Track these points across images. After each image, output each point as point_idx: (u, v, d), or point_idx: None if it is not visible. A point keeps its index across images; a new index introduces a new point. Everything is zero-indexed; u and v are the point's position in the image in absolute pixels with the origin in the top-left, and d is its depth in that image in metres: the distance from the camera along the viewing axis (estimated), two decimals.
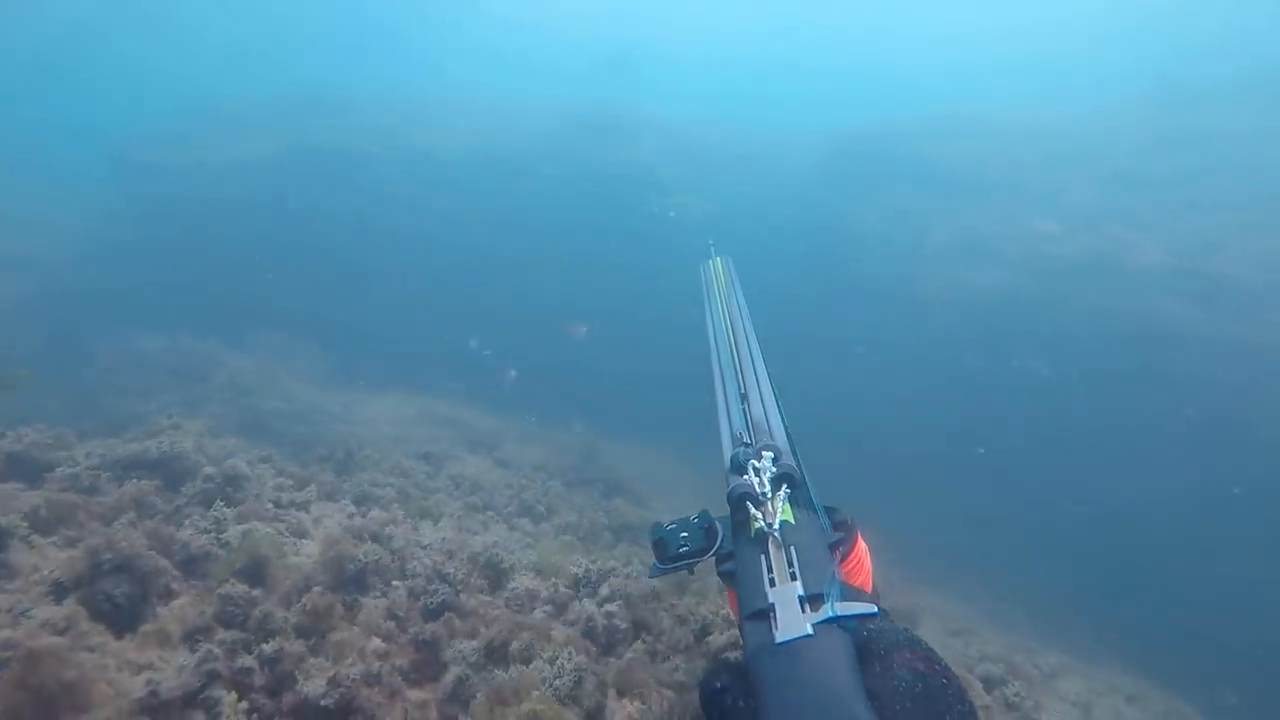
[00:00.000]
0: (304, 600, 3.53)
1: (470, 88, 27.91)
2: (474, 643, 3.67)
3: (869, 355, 14.81)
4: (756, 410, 2.52)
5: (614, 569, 4.97)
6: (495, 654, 3.64)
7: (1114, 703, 8.44)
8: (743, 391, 2.65)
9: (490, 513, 7.89)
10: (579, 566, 4.88)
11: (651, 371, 13.37)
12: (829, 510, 2.14)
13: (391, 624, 3.73)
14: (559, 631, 3.92)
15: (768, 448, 2.20)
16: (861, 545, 2.17)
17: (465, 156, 20.18)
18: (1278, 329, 11.96)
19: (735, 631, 3.36)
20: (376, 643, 3.53)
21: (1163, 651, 9.41)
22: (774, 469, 2.06)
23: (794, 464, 2.14)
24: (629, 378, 14.22)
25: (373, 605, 3.82)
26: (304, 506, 5.61)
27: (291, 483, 6.01)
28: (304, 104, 21.72)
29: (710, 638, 4.19)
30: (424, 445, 10.31)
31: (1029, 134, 18.49)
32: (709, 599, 4.68)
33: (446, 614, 3.87)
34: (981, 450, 12.60)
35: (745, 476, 2.06)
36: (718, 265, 3.62)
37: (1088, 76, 24.31)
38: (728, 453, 2.33)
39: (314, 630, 3.45)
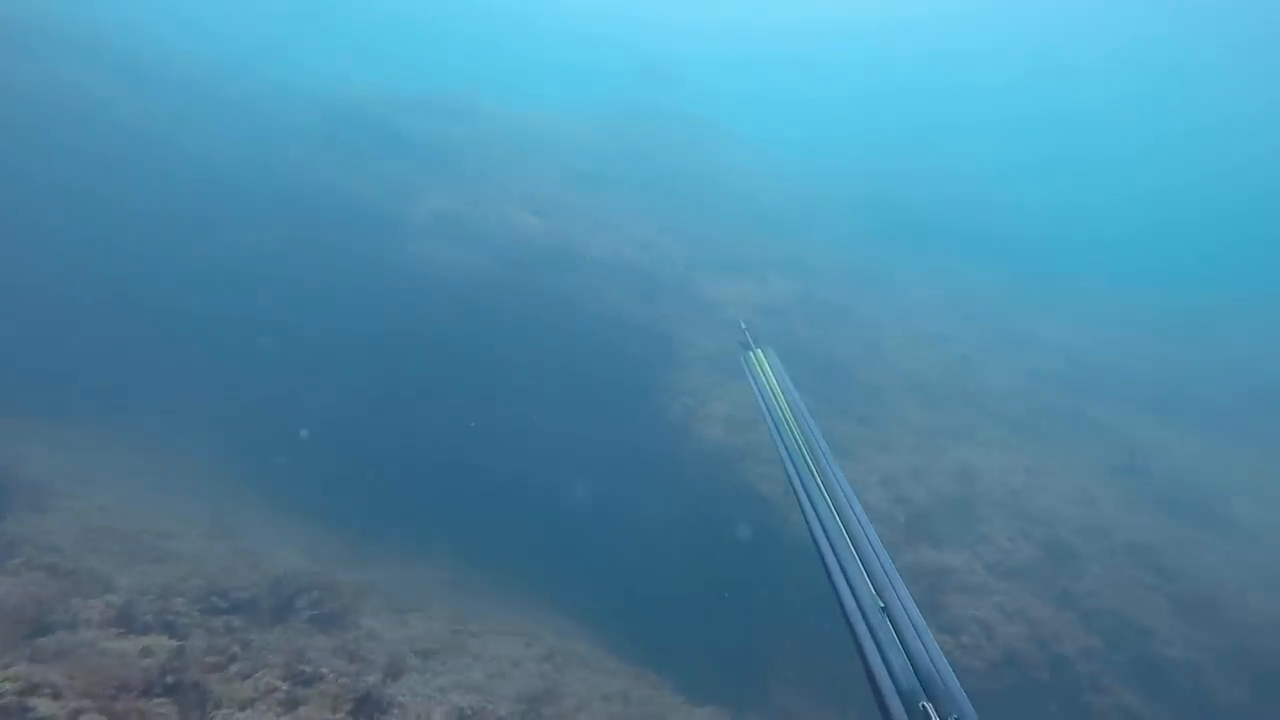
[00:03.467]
0: None
1: None
2: None
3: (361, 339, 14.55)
4: (910, 637, 1.83)
5: None
6: None
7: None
8: (882, 603, 1.92)
9: None
10: None
11: None
12: None
13: None
14: None
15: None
16: None
17: None
18: (682, 309, 14.66)
19: None
20: None
21: None
22: None
23: None
24: None
25: None
26: None
27: None
28: None
29: None
30: None
31: (512, 126, 19.88)
32: None
33: None
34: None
35: None
36: (762, 363, 2.83)
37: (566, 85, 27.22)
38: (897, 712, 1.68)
39: None
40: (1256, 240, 31.56)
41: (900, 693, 1.72)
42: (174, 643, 4.65)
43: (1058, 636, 8.60)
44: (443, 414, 13.99)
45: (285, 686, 4.13)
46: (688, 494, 12.60)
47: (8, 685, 3.85)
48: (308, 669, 4.52)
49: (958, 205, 25.04)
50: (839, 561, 2.04)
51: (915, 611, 1.92)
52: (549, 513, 13.26)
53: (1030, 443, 12.49)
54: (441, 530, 12.67)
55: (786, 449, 2.49)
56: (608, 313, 14.71)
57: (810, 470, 2.32)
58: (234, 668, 4.32)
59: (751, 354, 3.09)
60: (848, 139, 31.18)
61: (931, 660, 1.78)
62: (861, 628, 1.86)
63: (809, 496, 2.25)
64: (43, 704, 3.79)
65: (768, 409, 2.71)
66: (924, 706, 1.67)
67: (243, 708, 4.06)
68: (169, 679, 4.07)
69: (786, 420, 2.56)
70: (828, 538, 2.08)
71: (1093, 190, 34.66)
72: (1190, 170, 41.75)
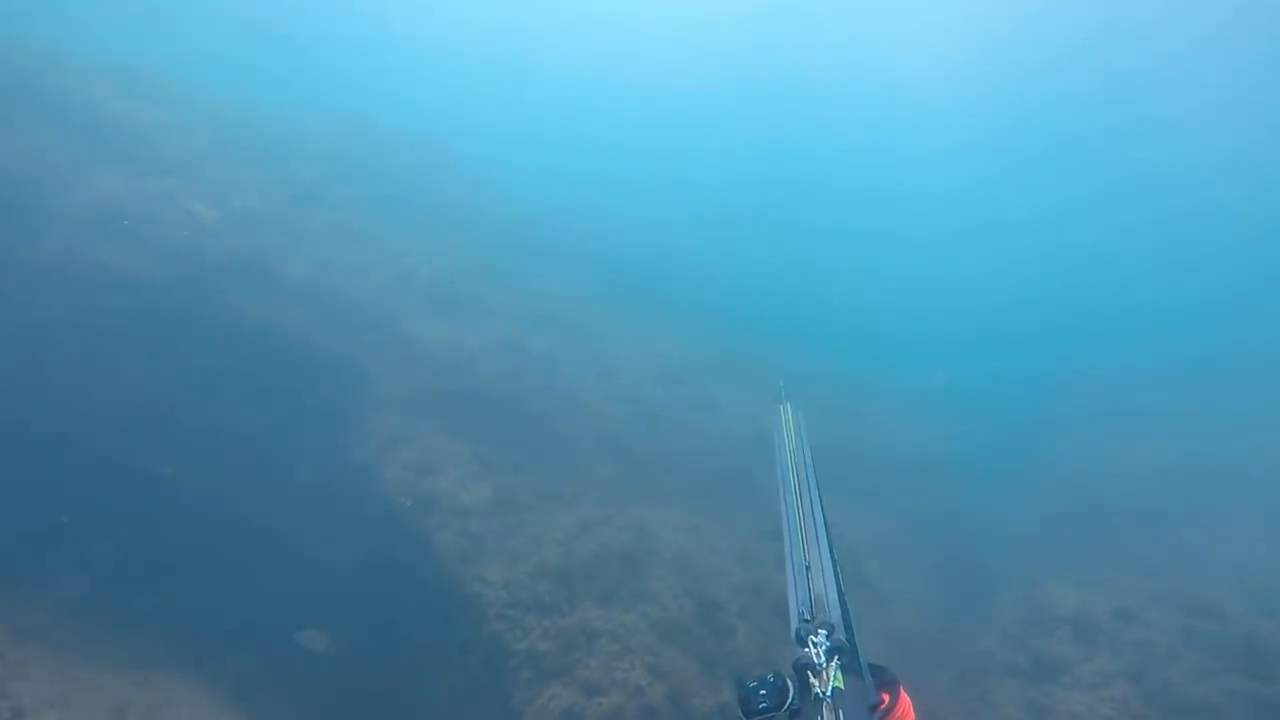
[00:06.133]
0: None
1: None
2: None
3: None
4: (818, 583, 3.01)
5: None
6: None
7: None
8: (807, 563, 3.12)
9: None
10: None
11: None
12: (876, 669, 2.66)
13: None
14: None
15: (824, 624, 2.76)
16: (905, 699, 2.60)
17: None
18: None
19: None
20: None
21: None
22: (828, 643, 2.64)
23: (845, 638, 2.71)
24: None
25: None
26: None
27: None
28: None
29: None
30: None
31: (220, 122, 17.83)
32: None
33: None
34: None
35: (805, 649, 2.66)
36: (787, 413, 3.80)
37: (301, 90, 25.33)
38: (794, 624, 2.89)
39: None
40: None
41: (798, 609, 2.93)
42: None
43: (697, 692, 9.07)
44: (88, 446, 11.76)
45: None
46: (363, 540, 11.74)
47: None
48: None
49: (682, 277, 26.52)
50: (790, 536, 3.28)
51: (830, 573, 3.03)
52: (197, 559, 11.63)
53: (704, 503, 13.34)
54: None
55: (784, 476, 3.57)
56: (298, 338, 13.47)
57: (796, 494, 3.44)
58: None
59: (781, 407, 4.03)
60: (590, 190, 32.02)
61: (827, 596, 2.93)
62: (790, 575, 3.11)
63: (789, 504, 3.42)
64: None
65: (778, 453, 3.71)
66: (803, 611, 2.88)
67: None
68: None
69: (793, 459, 3.60)
70: (789, 520, 3.35)
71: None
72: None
